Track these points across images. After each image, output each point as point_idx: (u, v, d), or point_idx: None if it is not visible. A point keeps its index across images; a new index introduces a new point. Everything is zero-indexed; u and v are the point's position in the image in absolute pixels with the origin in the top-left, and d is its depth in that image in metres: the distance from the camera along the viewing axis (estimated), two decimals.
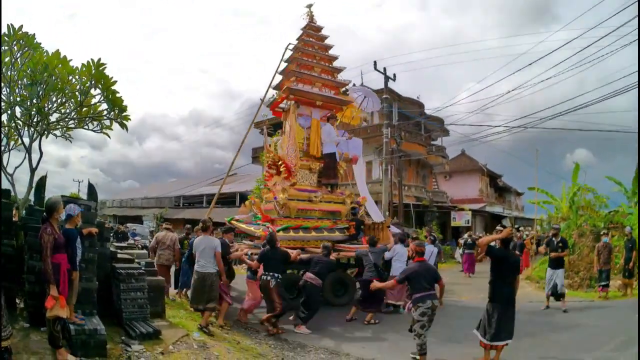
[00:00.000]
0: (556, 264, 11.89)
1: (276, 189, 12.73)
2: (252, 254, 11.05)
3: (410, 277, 7.17)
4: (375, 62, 27.16)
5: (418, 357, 7.23)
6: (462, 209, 35.97)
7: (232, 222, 12.77)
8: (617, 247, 13.71)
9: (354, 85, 16.46)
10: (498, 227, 17.27)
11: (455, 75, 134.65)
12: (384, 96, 27.80)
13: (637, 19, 12.89)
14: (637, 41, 10.57)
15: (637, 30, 12.81)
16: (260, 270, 9.70)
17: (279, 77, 14.77)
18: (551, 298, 11.78)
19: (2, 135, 8.64)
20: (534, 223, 28.87)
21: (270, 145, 14.84)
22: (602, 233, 14.00)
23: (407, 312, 7.38)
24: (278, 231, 11.45)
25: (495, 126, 44.25)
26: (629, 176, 18.32)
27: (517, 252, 15.19)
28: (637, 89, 13.85)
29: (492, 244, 7.23)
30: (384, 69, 27.42)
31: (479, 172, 47.12)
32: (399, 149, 28.20)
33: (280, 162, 12.89)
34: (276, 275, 9.50)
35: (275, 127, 21.60)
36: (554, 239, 12.21)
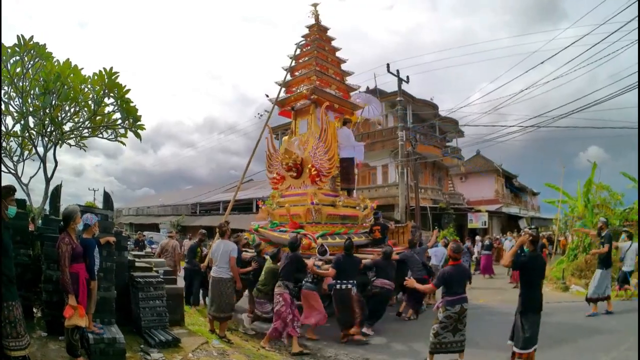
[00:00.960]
0: (599, 262, 11.27)
1: (308, 194, 12.21)
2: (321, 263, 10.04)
3: (447, 280, 7.16)
4: (388, 65, 27.11)
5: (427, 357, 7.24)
6: (479, 211, 35.73)
7: (260, 229, 12.42)
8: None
9: (359, 91, 16.23)
10: (523, 230, 17.11)
11: (467, 76, 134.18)
12: (398, 99, 27.73)
13: (637, 19, 12.73)
14: (637, 41, 10.40)
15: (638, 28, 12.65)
16: (329, 279, 9.45)
17: (288, 76, 14.53)
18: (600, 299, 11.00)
19: (16, 146, 8.71)
20: (551, 223, 28.68)
21: (280, 146, 14.29)
22: (622, 230, 13.76)
23: (434, 311, 7.33)
24: (317, 238, 11.13)
25: (509, 126, 43.88)
26: None
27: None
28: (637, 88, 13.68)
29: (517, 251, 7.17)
30: (397, 71, 27.37)
31: (494, 172, 46.79)
32: (415, 151, 28.09)
33: (310, 165, 12.51)
34: (355, 282, 9.28)
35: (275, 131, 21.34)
36: (601, 233, 11.54)
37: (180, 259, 14.05)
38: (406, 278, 8.89)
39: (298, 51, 14.55)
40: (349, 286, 9.11)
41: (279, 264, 9.26)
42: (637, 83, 14.97)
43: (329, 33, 14.79)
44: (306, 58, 14.21)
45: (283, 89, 14.25)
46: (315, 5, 14.65)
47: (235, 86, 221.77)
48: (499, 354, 7.32)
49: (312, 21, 14.68)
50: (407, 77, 28.03)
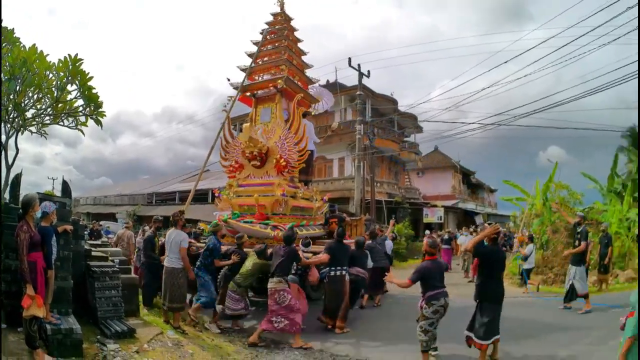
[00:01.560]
0: (574, 259, 11.11)
1: (275, 184, 12.06)
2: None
3: (424, 275, 7.15)
4: (349, 59, 27.12)
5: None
6: (435, 206, 36.24)
7: (230, 221, 12.02)
8: (591, 243, 13.90)
9: (319, 84, 16.07)
10: (480, 223, 17.38)
11: (430, 73, 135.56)
12: (358, 93, 27.82)
13: (637, 19, 12.99)
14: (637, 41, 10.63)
15: (616, 29, 13.03)
16: (314, 271, 9.64)
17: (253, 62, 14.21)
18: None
19: None
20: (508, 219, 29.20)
21: (240, 134, 13.23)
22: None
23: (418, 310, 7.40)
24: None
25: (469, 123, 44.45)
26: (602, 174, 18.64)
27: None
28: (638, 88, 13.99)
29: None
30: (359, 65, 27.40)
31: (452, 168, 47.46)
32: (372, 145, 28.24)
33: (278, 156, 12.31)
34: (347, 269, 9.49)
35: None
36: (577, 229, 11.30)
37: (134, 249, 13.90)
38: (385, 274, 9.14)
39: (261, 38, 14.22)
40: (343, 272, 9.35)
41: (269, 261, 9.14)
42: (602, 86, 15.37)
43: (292, 24, 14.62)
44: (270, 46, 14.09)
45: (245, 76, 13.95)
46: None
47: (195, 77, 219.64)
48: (457, 346, 7.52)
49: (278, 9, 14.47)
50: (368, 71, 28.11)
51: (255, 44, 14.11)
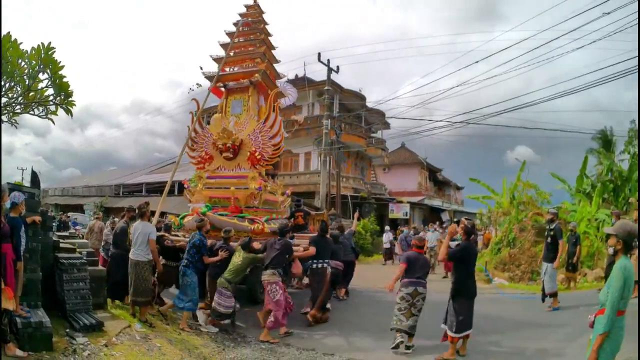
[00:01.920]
0: (546, 256, 11.13)
1: (249, 177, 11.89)
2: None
3: (410, 261, 7.64)
4: (319, 54, 27.16)
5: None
6: (401, 202, 36.47)
7: (209, 214, 11.66)
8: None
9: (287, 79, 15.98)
10: (446, 220, 17.54)
11: (400, 70, 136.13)
12: (326, 88, 27.88)
13: (637, 19, 13.18)
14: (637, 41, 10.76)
15: (590, 33, 13.27)
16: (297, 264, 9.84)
17: (224, 53, 13.77)
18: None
19: None
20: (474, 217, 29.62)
21: (211, 125, 13.16)
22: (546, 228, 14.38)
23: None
24: (264, 222, 11.26)
25: (437, 120, 45.06)
26: (568, 174, 19.02)
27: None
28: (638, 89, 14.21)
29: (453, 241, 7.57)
30: (328, 60, 27.46)
31: (418, 165, 47.84)
32: (339, 140, 28.36)
33: (252, 149, 12.19)
34: (329, 262, 9.75)
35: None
36: (550, 226, 11.37)
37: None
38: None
39: (236, 29, 13.96)
40: (325, 265, 9.62)
41: (259, 254, 9.20)
42: (574, 88, 15.67)
43: (264, 17, 14.45)
44: (243, 39, 13.90)
45: (216, 66, 13.66)
46: None
47: (164, 69, 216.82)
48: (433, 341, 7.71)
49: (251, 1, 14.21)
50: (337, 67, 28.21)
51: (229, 35, 13.84)
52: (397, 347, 7.46)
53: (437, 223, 27.74)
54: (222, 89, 13.56)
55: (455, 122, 25.44)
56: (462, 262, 7.22)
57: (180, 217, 11.93)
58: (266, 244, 9.17)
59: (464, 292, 7.12)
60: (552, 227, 11.24)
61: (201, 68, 13.56)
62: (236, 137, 12.22)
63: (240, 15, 14.03)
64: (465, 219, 8.16)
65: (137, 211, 9.10)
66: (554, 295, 10.82)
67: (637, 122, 19.89)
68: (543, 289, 11.11)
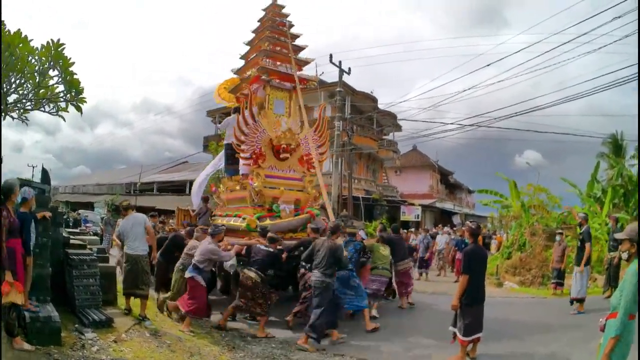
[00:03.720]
0: (577, 260, 11.05)
1: (306, 180, 12.11)
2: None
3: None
4: (331, 55, 27.06)
5: None
6: (412, 204, 36.41)
7: (323, 219, 11.35)
8: (570, 247, 14.03)
9: None
10: (458, 223, 17.41)
11: (408, 73, 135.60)
12: (338, 89, 27.83)
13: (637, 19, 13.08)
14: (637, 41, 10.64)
15: (597, 38, 13.17)
16: None
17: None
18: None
19: None
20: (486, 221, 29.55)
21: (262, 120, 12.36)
22: (557, 232, 14.30)
23: None
24: None
25: (449, 123, 45.03)
26: (577, 178, 18.90)
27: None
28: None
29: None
30: (339, 62, 27.38)
31: (430, 168, 47.79)
32: (350, 142, 28.29)
33: (306, 152, 12.37)
34: None
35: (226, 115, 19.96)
36: (580, 229, 11.28)
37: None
38: None
39: (287, 29, 13.53)
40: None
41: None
42: (580, 93, 15.59)
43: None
44: (282, 38, 13.32)
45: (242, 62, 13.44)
46: None
47: (173, 68, 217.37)
48: (444, 343, 7.64)
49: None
50: (349, 68, 28.19)
51: (254, 32, 13.64)
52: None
53: (449, 226, 27.66)
54: (266, 82, 12.84)
55: (466, 125, 25.36)
56: (475, 270, 7.12)
57: (256, 216, 11.00)
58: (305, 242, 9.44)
59: (474, 297, 7.06)
60: (581, 230, 11.13)
61: (265, 76, 12.73)
62: (297, 139, 12.23)
63: (266, 16, 13.64)
64: (470, 222, 8.12)
65: (122, 208, 9.07)
66: (578, 300, 10.68)
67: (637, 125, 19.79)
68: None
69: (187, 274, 8.50)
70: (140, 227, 8.33)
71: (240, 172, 12.29)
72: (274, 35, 13.15)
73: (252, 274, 8.51)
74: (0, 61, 6.94)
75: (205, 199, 13.55)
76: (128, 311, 8.22)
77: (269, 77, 12.61)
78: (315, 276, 8.19)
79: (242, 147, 11.71)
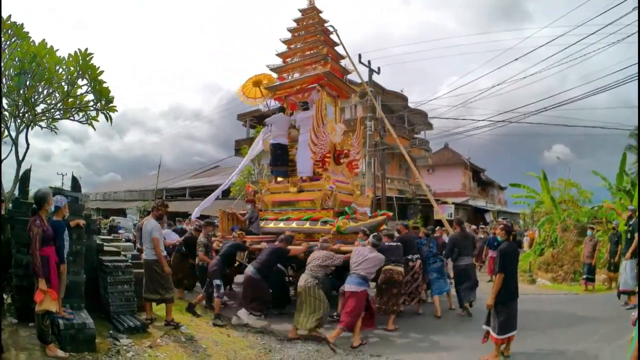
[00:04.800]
0: (624, 253, 10.86)
1: (354, 185, 12.39)
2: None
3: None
4: (360, 55, 26.96)
5: None
6: (445, 202, 36.10)
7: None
8: (601, 242, 13.77)
9: None
10: (490, 221, 17.24)
11: (437, 70, 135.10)
12: (369, 89, 27.74)
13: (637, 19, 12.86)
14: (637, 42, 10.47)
15: (622, 28, 12.92)
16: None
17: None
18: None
19: None
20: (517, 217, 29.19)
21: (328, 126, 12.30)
22: (588, 227, 14.07)
23: None
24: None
25: (479, 120, 44.61)
26: (604, 171, 18.53)
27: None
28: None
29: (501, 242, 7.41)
30: (369, 62, 27.28)
31: (462, 165, 47.39)
32: (383, 141, 28.14)
33: (352, 158, 12.67)
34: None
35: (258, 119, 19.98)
36: (629, 222, 11.09)
37: None
38: None
39: (337, 36, 13.90)
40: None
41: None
42: (607, 85, 15.29)
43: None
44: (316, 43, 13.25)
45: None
46: None
47: (202, 74, 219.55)
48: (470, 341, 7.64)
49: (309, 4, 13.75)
50: (378, 67, 27.98)
51: (292, 32, 13.59)
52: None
53: (480, 224, 27.39)
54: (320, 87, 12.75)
55: (497, 122, 25.10)
56: (508, 268, 7.01)
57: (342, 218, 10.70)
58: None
59: (507, 294, 6.93)
60: (630, 222, 10.96)
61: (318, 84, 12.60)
62: (351, 144, 12.56)
63: (306, 19, 13.62)
64: (503, 219, 8.01)
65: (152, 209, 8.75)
66: (628, 293, 10.52)
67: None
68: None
69: (357, 288, 8.08)
70: (147, 235, 8.12)
71: (304, 174, 12.13)
72: (320, 39, 13.15)
73: (400, 268, 9.00)
74: (0, 61, 7.03)
75: (252, 202, 12.94)
76: (150, 321, 7.85)
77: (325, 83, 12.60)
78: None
79: (314, 149, 11.63)
